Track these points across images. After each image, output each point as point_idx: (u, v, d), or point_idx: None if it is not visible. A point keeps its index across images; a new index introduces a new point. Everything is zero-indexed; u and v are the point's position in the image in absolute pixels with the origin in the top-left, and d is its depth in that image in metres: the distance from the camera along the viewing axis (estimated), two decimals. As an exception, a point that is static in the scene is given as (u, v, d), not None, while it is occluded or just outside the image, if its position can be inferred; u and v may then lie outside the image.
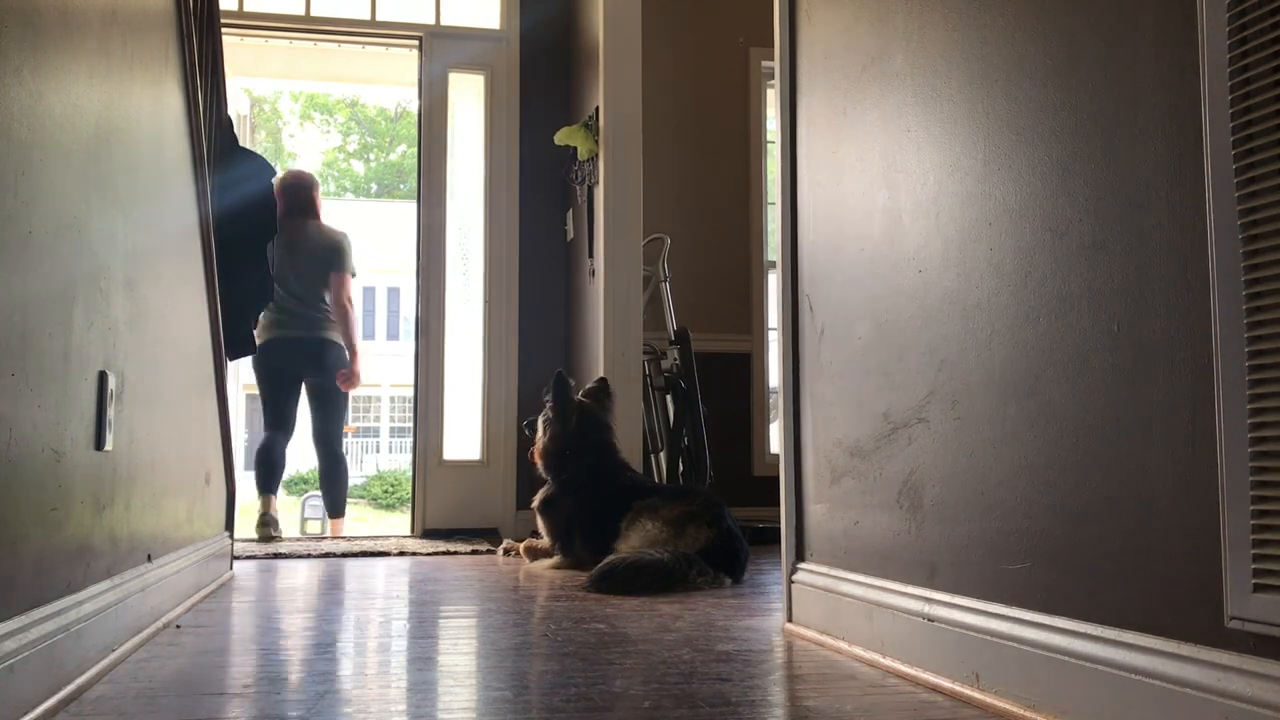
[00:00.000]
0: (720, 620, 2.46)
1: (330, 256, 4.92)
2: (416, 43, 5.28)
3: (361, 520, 12.31)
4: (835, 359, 2.20)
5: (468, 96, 5.34)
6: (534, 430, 3.92)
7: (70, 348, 1.67)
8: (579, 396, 3.95)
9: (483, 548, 4.36)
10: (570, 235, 5.14)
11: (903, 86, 1.95)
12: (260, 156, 3.79)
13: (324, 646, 2.17)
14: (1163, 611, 1.30)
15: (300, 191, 4.99)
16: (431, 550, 4.28)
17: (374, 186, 24.63)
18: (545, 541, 3.80)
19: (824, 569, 2.21)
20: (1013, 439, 1.60)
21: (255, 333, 4.59)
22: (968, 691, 1.64)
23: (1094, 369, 1.43)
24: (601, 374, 4.24)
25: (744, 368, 5.48)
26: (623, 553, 3.19)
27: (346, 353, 4.98)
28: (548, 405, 3.90)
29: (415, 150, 5.52)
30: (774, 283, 5.29)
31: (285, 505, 5.80)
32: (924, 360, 1.85)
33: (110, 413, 1.88)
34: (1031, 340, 1.56)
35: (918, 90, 1.89)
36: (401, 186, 23.75)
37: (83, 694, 1.66)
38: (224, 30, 3.79)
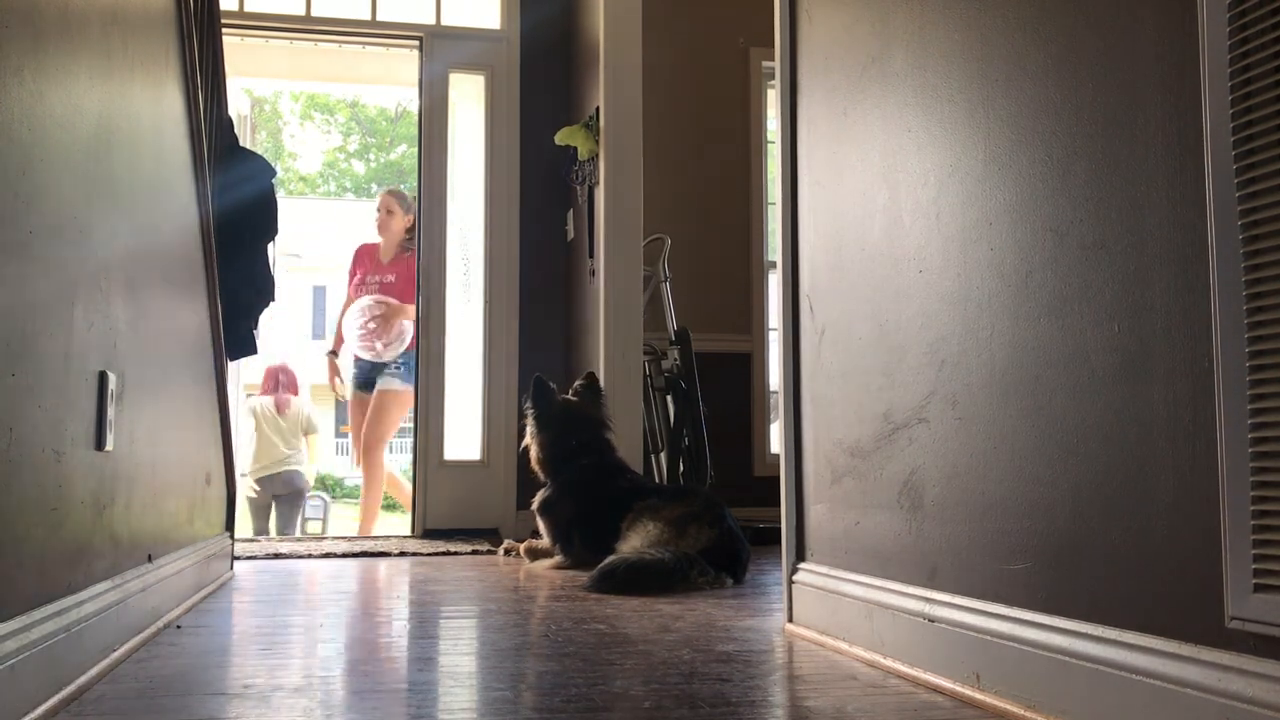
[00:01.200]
0: (721, 620, 2.46)
1: (306, 421, 6.97)
2: (417, 43, 5.28)
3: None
4: (835, 359, 2.20)
5: (468, 96, 5.34)
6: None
7: (70, 348, 1.67)
8: (569, 395, 3.94)
9: (483, 548, 4.36)
10: (570, 235, 5.14)
11: (903, 86, 1.95)
12: (261, 157, 3.79)
13: (324, 646, 2.17)
14: (1163, 611, 1.30)
15: (288, 373, 7.06)
16: (432, 550, 4.28)
17: (374, 186, 24.61)
18: (546, 542, 3.79)
19: (824, 569, 2.21)
20: (1013, 439, 1.60)
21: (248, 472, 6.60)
22: (968, 692, 1.65)
23: (1094, 369, 1.43)
24: (602, 373, 4.23)
25: (744, 368, 5.48)
26: (623, 553, 3.19)
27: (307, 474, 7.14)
28: (530, 414, 3.87)
29: (416, 150, 5.52)
30: (774, 283, 5.28)
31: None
32: (924, 360, 1.85)
33: (110, 413, 1.88)
34: (1032, 340, 1.56)
35: (918, 90, 1.89)
36: (402, 187, 23.72)
37: (83, 694, 1.66)
38: (224, 30, 3.79)
